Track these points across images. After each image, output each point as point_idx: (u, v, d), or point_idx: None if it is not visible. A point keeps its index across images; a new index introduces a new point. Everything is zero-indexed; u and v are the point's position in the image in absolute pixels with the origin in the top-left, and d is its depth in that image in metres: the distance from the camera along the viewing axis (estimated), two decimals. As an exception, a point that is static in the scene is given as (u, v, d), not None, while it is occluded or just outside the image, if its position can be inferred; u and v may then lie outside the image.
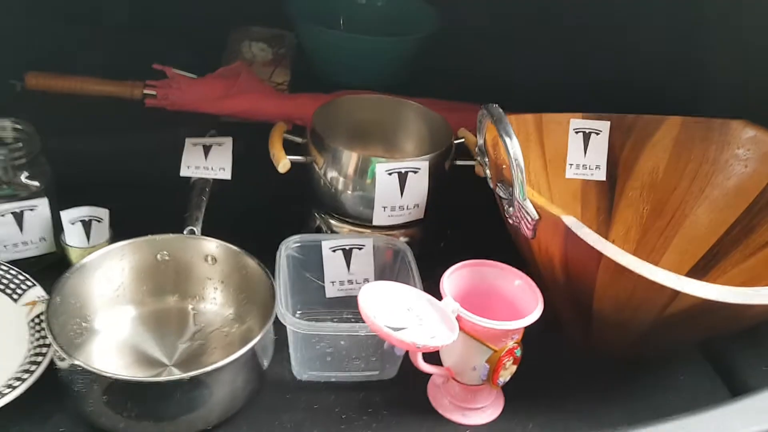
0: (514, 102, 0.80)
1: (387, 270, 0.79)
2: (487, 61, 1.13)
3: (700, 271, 0.84)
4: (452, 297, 0.65)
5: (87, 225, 0.79)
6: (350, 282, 0.79)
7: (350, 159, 0.78)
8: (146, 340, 0.72)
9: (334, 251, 0.77)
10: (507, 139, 0.65)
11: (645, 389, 0.77)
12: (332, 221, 0.82)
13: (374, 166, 0.76)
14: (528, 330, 0.66)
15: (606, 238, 0.86)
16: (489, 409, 0.70)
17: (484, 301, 0.69)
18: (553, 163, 0.87)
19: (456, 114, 1.12)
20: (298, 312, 0.79)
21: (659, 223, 0.88)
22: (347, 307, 0.80)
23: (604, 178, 0.89)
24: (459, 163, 0.84)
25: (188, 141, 0.85)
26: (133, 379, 0.63)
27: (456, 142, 0.86)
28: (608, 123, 0.88)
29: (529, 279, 0.68)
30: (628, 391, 0.76)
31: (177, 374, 0.66)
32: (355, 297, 0.76)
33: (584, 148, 0.88)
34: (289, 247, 0.75)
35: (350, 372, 0.72)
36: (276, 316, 0.67)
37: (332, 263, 0.78)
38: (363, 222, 0.81)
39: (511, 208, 0.67)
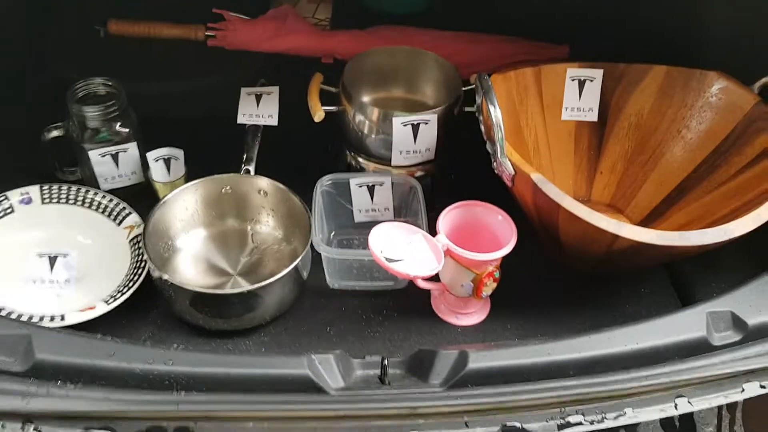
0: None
1: (403, 200, 0.98)
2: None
3: (672, 200, 1.00)
4: (447, 231, 0.84)
5: (167, 162, 1.00)
6: (374, 210, 0.99)
7: (372, 111, 0.95)
8: (216, 254, 0.94)
9: (360, 187, 0.96)
10: (491, 108, 0.81)
11: (610, 299, 0.95)
12: (360, 159, 1.01)
13: (391, 118, 0.93)
14: (517, 250, 0.83)
15: (595, 170, 1.03)
16: (477, 314, 0.90)
17: (473, 232, 0.88)
18: (550, 107, 1.02)
19: (484, 45, 1.26)
20: (333, 233, 1.00)
21: (641, 158, 1.03)
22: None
23: (595, 119, 1.04)
24: (467, 109, 1.00)
25: (243, 91, 1.03)
26: (206, 292, 0.85)
27: (466, 89, 1.02)
28: (601, 71, 1.02)
29: (507, 216, 0.85)
30: (595, 301, 0.94)
31: (240, 286, 0.89)
32: (379, 221, 0.98)
33: (579, 93, 1.03)
34: (323, 184, 0.95)
35: (371, 282, 0.93)
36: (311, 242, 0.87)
37: (359, 196, 0.97)
38: (385, 161, 0.99)
39: (494, 162, 0.84)
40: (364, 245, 0.83)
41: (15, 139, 1.03)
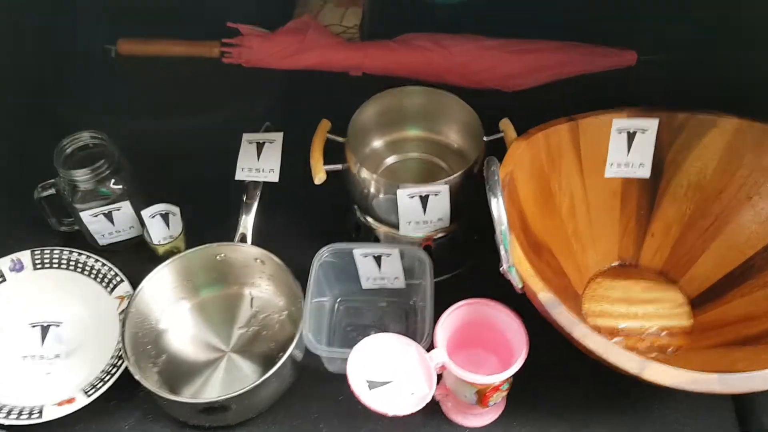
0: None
1: (413, 271, 0.87)
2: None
3: (735, 280, 0.84)
4: (450, 330, 0.74)
5: (164, 217, 0.93)
6: (382, 279, 0.89)
7: (375, 181, 0.83)
8: (207, 328, 0.88)
9: (365, 257, 0.86)
10: (493, 200, 0.68)
11: (648, 404, 0.82)
12: (369, 220, 0.90)
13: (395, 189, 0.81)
14: (539, 331, 0.71)
15: (645, 232, 0.88)
16: (488, 413, 0.81)
17: (480, 330, 0.77)
18: (590, 164, 0.87)
19: (532, 55, 1.10)
20: (339, 299, 0.91)
21: (702, 223, 0.87)
22: (382, 295, 0.90)
23: (647, 176, 0.88)
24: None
25: (245, 138, 0.93)
26: (179, 400, 0.79)
27: (488, 139, 0.87)
28: (656, 121, 0.85)
29: (519, 321, 0.73)
30: (629, 406, 0.82)
31: (233, 365, 0.84)
32: (388, 290, 0.88)
33: (628, 147, 0.87)
34: (322, 257, 0.85)
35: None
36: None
37: (365, 265, 0.87)
38: (394, 226, 0.88)
39: (501, 267, 0.71)
40: (373, 313, 0.86)
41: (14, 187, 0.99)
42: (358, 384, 0.68)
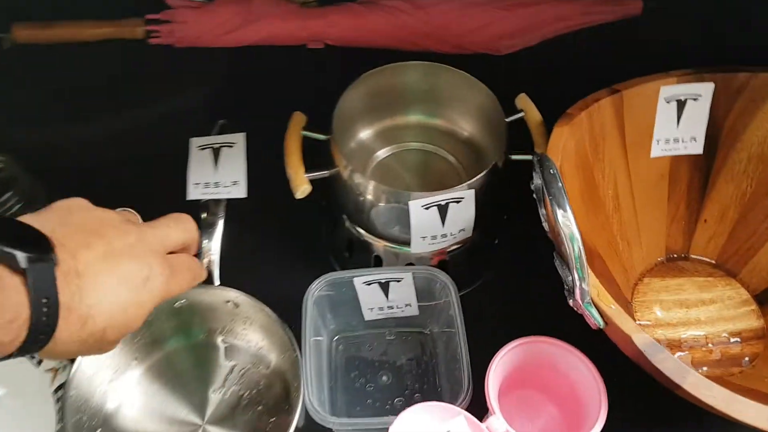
0: None
1: (427, 295, 0.69)
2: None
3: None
4: (497, 387, 0.57)
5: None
6: (390, 307, 0.70)
7: (375, 187, 0.64)
8: (173, 397, 0.68)
9: (368, 285, 0.68)
10: (560, 214, 0.50)
11: None
12: (364, 232, 0.71)
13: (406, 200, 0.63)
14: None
15: (697, 218, 0.73)
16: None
17: (530, 371, 0.60)
18: (635, 144, 0.71)
19: (528, 9, 0.93)
20: (336, 336, 0.72)
21: (766, 202, 0.72)
22: (388, 326, 0.72)
23: (700, 152, 0.72)
24: (515, 158, 0.68)
25: (194, 144, 0.72)
26: None
27: (510, 120, 0.70)
28: (711, 85, 0.69)
29: (592, 366, 0.57)
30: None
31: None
32: (398, 318, 0.70)
33: (677, 118, 0.70)
34: (313, 294, 0.66)
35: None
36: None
37: (368, 294, 0.69)
38: (400, 243, 0.69)
39: (570, 300, 0.54)
40: (378, 348, 0.70)
41: None
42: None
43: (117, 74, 0.88)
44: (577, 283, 0.51)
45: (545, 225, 0.58)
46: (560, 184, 0.50)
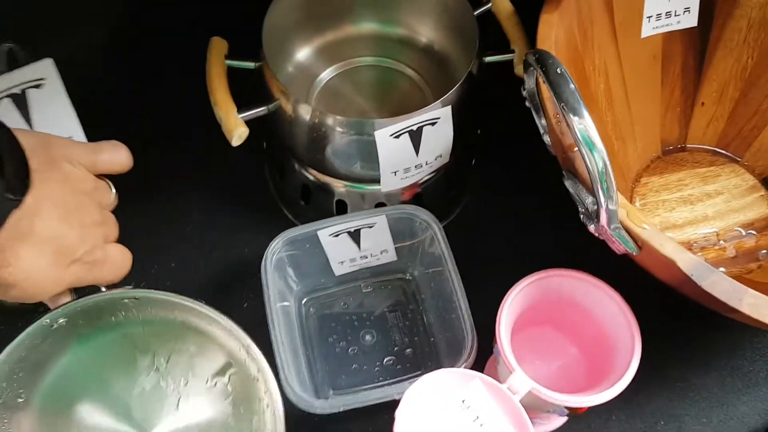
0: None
1: (405, 236, 0.59)
2: None
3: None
4: (509, 334, 0.47)
5: None
6: (363, 257, 0.60)
7: (330, 120, 0.52)
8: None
9: (335, 236, 0.57)
10: (574, 120, 0.40)
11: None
12: (320, 175, 0.59)
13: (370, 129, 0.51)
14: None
15: (693, 101, 0.64)
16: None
17: (552, 310, 0.51)
18: (624, 25, 0.60)
19: None
20: (304, 300, 0.62)
21: (769, 74, 0.63)
22: (363, 278, 0.62)
23: (694, 24, 0.62)
24: (490, 59, 0.57)
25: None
26: None
27: (478, 13, 0.58)
28: (706, -58, 0.58)
29: (624, 303, 0.48)
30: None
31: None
32: (373, 267, 0.60)
33: (669, -13, 0.59)
34: (275, 252, 0.55)
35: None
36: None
37: (336, 247, 0.58)
38: (366, 181, 0.58)
39: (591, 225, 0.44)
40: (354, 304, 0.60)
41: None
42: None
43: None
44: (603, 203, 0.41)
45: (546, 138, 0.48)
46: (572, 86, 0.39)
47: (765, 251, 0.63)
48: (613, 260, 0.47)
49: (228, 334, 0.47)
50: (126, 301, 0.47)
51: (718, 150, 0.67)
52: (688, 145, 0.68)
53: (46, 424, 0.46)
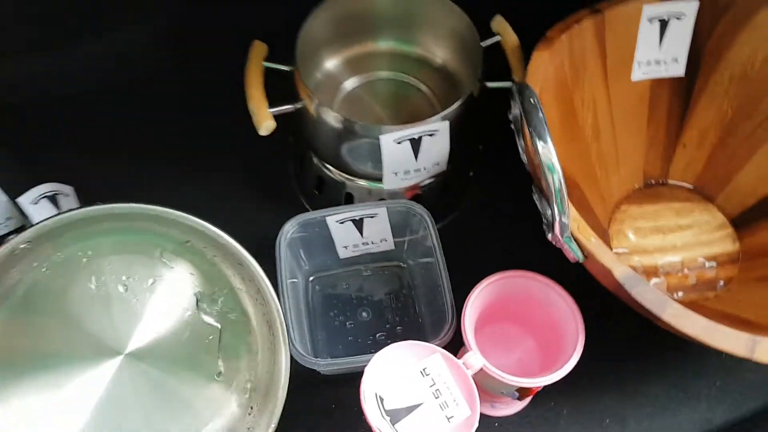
0: None
1: (403, 228, 0.67)
2: None
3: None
4: (474, 321, 0.56)
5: (53, 200, 0.68)
6: (365, 243, 0.69)
7: (345, 122, 0.61)
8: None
9: (341, 223, 0.65)
10: (540, 146, 0.48)
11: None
12: (334, 170, 0.68)
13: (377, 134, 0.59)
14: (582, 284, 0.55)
15: (676, 142, 0.71)
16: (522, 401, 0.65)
17: (514, 305, 0.59)
18: (616, 68, 0.68)
19: None
20: (312, 277, 0.71)
21: (746, 125, 0.71)
22: (364, 262, 0.71)
23: (681, 73, 0.70)
24: (492, 85, 0.65)
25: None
26: None
27: (488, 43, 0.66)
28: (696, 3, 0.65)
29: (571, 300, 0.56)
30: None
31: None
32: (373, 254, 0.68)
33: (659, 38, 0.67)
34: (286, 237, 0.64)
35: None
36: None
37: (342, 232, 0.67)
38: (373, 179, 0.67)
39: (549, 233, 0.52)
40: (354, 284, 0.69)
41: None
42: (379, 422, 0.50)
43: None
44: (557, 216, 0.49)
45: (523, 157, 0.56)
46: (541, 115, 0.48)
47: (723, 282, 0.70)
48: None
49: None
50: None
51: (695, 188, 0.74)
52: (669, 181, 0.75)
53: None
